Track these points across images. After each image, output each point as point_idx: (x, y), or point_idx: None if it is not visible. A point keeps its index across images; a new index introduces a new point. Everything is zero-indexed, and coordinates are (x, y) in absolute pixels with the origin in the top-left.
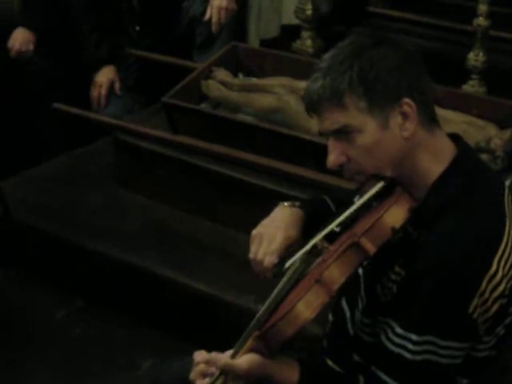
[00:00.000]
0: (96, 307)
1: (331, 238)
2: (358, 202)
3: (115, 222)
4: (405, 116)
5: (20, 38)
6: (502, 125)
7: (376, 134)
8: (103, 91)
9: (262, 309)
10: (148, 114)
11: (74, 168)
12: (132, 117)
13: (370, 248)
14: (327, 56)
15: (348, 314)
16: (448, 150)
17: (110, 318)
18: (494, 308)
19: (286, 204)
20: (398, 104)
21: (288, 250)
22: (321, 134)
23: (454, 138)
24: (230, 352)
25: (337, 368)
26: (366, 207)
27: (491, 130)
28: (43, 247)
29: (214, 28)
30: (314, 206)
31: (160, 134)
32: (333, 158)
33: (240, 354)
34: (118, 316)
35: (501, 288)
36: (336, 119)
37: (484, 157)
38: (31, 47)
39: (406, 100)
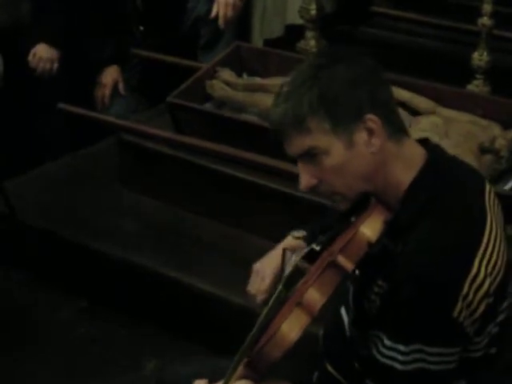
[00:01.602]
0: (99, 307)
1: (313, 257)
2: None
3: (119, 222)
4: (370, 132)
5: (44, 56)
6: (506, 125)
7: (343, 154)
8: (107, 91)
9: (250, 335)
10: (152, 114)
11: (77, 168)
12: (136, 117)
13: (347, 265)
14: (287, 81)
15: (346, 320)
16: (418, 157)
17: (113, 318)
18: (481, 309)
19: (293, 235)
20: (362, 120)
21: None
22: (290, 158)
23: (424, 142)
24: (221, 382)
25: (336, 374)
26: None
27: (495, 129)
28: (46, 247)
29: (220, 23)
30: (323, 227)
31: (164, 134)
32: (304, 182)
33: (231, 382)
34: (121, 316)
35: (484, 288)
36: (301, 143)
37: (488, 157)
38: (56, 64)
39: (370, 116)
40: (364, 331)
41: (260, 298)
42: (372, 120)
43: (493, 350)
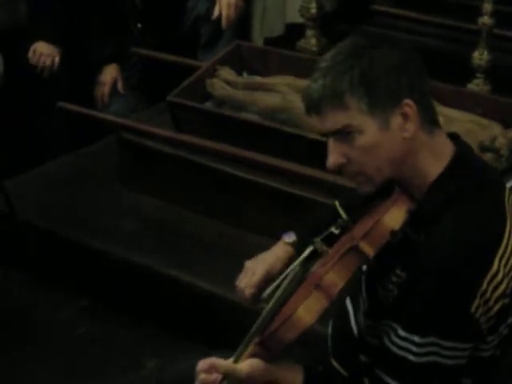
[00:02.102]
0: (100, 307)
1: (331, 240)
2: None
3: (119, 222)
4: (405, 117)
5: (44, 52)
6: (506, 124)
7: (376, 135)
8: (106, 90)
9: (263, 314)
10: (152, 112)
11: (77, 167)
12: (136, 116)
13: (369, 251)
14: (327, 56)
15: (352, 314)
16: (447, 150)
17: (113, 317)
18: (496, 307)
19: (284, 241)
20: (399, 105)
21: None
22: (321, 134)
23: (454, 137)
24: (232, 358)
25: (341, 369)
26: (367, 209)
27: (496, 128)
28: (47, 247)
29: (223, 23)
30: (313, 231)
31: (164, 133)
32: (333, 159)
33: (242, 359)
34: (122, 316)
35: (502, 287)
36: (337, 119)
37: (488, 156)
38: (57, 60)
39: (407, 101)
40: (377, 321)
41: (248, 292)
42: (409, 105)
43: (498, 352)
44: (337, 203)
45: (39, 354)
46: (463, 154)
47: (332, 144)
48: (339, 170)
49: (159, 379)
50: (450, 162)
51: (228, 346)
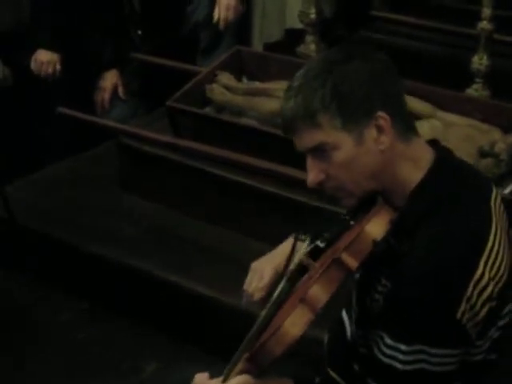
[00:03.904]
0: (99, 310)
1: (317, 253)
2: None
3: (118, 226)
4: (380, 129)
5: (45, 60)
6: (505, 129)
7: (352, 150)
8: (106, 95)
9: (251, 331)
10: (151, 118)
11: (77, 172)
12: (135, 121)
13: (352, 263)
14: (299, 74)
15: (347, 323)
16: (427, 157)
17: (113, 321)
18: (483, 312)
19: (297, 237)
20: (373, 118)
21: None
22: (299, 152)
23: (433, 143)
24: (220, 378)
25: (338, 379)
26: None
27: (495, 133)
28: (46, 250)
29: (221, 25)
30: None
31: (163, 138)
32: (312, 177)
33: (231, 376)
34: (121, 319)
35: (488, 291)
36: (311, 138)
37: (488, 161)
38: (59, 67)
39: (380, 113)
40: (366, 330)
41: (257, 296)
42: (382, 117)
43: (493, 356)
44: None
45: (39, 356)
46: (443, 159)
47: (310, 161)
48: (320, 187)
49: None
50: (430, 168)
51: (227, 349)
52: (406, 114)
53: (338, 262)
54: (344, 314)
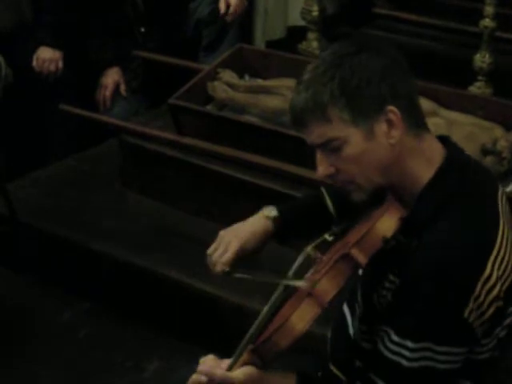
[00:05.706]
0: (101, 309)
1: (325, 246)
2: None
3: (121, 224)
4: (390, 124)
5: (47, 57)
6: (508, 126)
7: (362, 144)
8: (108, 93)
9: (256, 322)
10: (154, 115)
11: (80, 170)
12: (138, 118)
13: (361, 259)
14: (309, 67)
15: (349, 318)
16: (437, 154)
17: (116, 319)
18: (490, 311)
19: (264, 213)
20: (383, 112)
21: (242, 259)
22: (308, 146)
23: (444, 140)
24: (225, 365)
25: (340, 374)
26: (362, 216)
27: (497, 131)
28: (49, 249)
29: (229, 18)
30: (296, 212)
31: (166, 136)
32: (321, 170)
33: (236, 366)
34: (124, 318)
35: (495, 290)
36: (321, 132)
37: (490, 159)
38: (61, 65)
39: (391, 107)
40: (371, 326)
41: (219, 269)
42: (393, 112)
43: (497, 353)
44: (323, 190)
45: (40, 355)
46: (454, 157)
47: (320, 155)
48: (329, 180)
49: (162, 382)
50: (441, 165)
51: (229, 347)
52: (417, 110)
53: (347, 257)
54: (346, 309)
